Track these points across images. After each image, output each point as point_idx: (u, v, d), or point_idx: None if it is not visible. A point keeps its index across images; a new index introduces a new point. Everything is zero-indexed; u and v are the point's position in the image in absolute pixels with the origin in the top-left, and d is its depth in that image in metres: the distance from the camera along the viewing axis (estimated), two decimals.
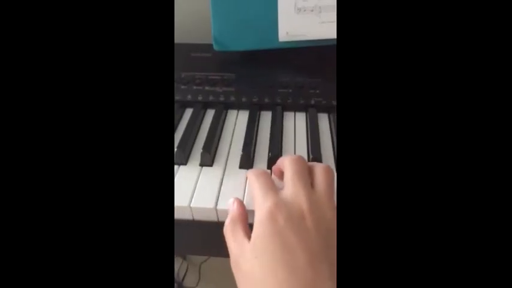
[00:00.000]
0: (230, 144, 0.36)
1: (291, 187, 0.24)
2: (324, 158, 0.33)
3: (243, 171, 0.32)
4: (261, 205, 0.24)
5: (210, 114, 0.40)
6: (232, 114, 0.40)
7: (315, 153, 0.33)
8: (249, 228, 0.25)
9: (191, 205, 0.29)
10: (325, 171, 0.26)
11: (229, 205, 0.27)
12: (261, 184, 0.25)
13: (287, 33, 0.42)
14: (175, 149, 0.33)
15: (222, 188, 0.30)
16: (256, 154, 0.34)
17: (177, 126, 0.39)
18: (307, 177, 0.25)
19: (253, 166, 0.33)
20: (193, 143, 0.36)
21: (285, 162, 0.27)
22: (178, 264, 0.93)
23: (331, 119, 0.38)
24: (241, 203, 0.27)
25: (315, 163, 0.27)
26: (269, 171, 0.32)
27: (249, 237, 0.24)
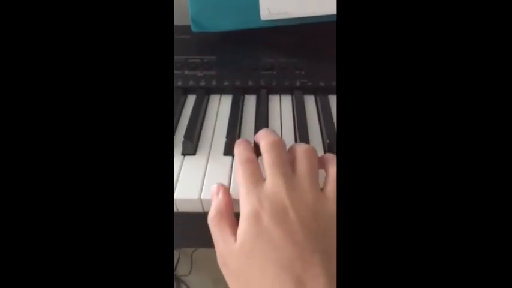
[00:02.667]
0: (213, 131, 0.34)
1: (271, 177, 0.23)
2: (311, 141, 0.32)
3: (228, 158, 0.31)
4: (244, 200, 0.23)
5: (191, 100, 0.38)
6: (214, 99, 0.38)
7: (302, 137, 0.32)
8: (235, 219, 0.24)
9: (175, 197, 0.27)
10: (306, 153, 0.25)
11: (212, 193, 0.26)
12: (245, 174, 0.24)
13: (269, 11, 0.39)
14: None
15: (206, 177, 0.29)
16: None
17: None
18: (286, 163, 0.24)
19: None
20: (175, 131, 0.34)
21: (261, 146, 0.26)
22: None
23: (318, 100, 0.37)
24: (227, 191, 0.26)
25: (296, 144, 0.26)
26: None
27: (235, 232, 0.23)
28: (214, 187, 0.26)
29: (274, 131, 0.27)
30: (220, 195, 0.25)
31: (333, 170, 0.25)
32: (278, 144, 0.25)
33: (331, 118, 0.34)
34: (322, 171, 0.26)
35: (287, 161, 0.25)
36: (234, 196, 0.27)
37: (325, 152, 0.31)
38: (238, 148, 0.27)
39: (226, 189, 0.26)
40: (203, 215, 0.28)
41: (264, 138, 0.26)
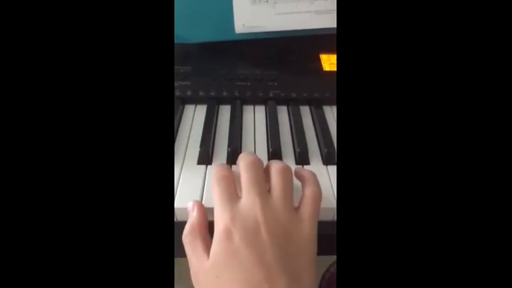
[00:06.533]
0: (188, 141, 0.34)
1: (246, 196, 0.24)
2: (283, 151, 0.33)
3: (202, 167, 0.31)
4: (218, 219, 0.23)
5: None
6: (189, 109, 0.39)
7: (274, 147, 0.33)
8: (209, 237, 0.24)
9: None
10: (280, 172, 0.25)
11: (188, 209, 0.26)
12: (220, 192, 0.24)
13: (243, 25, 0.41)
14: None
15: (179, 186, 0.29)
16: (215, 149, 0.33)
17: None
18: (263, 182, 0.25)
19: (212, 162, 0.32)
20: None
21: (240, 166, 0.26)
22: None
23: (290, 111, 0.38)
24: (201, 208, 0.26)
25: (271, 162, 0.27)
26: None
27: (208, 249, 0.23)
28: (189, 204, 0.26)
29: (253, 154, 0.27)
30: (195, 213, 0.25)
31: (309, 191, 0.25)
32: (255, 164, 0.26)
33: (303, 128, 0.35)
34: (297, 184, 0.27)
35: (263, 181, 0.25)
36: (209, 205, 0.27)
37: (296, 161, 0.33)
38: (216, 167, 0.27)
39: (201, 206, 0.26)
40: (177, 224, 0.28)
41: (242, 159, 0.26)
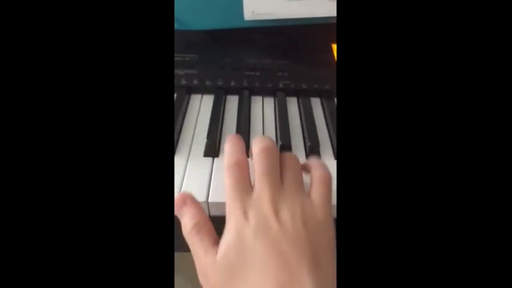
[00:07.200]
0: (194, 132, 0.33)
1: (258, 187, 0.23)
2: (293, 143, 0.32)
3: (209, 159, 0.30)
4: (230, 211, 0.23)
5: None
6: (195, 98, 0.37)
7: (284, 140, 0.31)
8: (213, 227, 0.23)
9: None
10: (289, 160, 0.25)
11: (177, 203, 0.24)
12: (232, 181, 0.23)
13: (253, 12, 0.39)
14: None
15: (185, 178, 0.28)
16: (222, 142, 0.32)
17: None
18: (276, 172, 0.24)
19: (219, 154, 0.31)
20: None
21: (254, 152, 0.25)
22: None
23: (301, 103, 0.37)
24: (193, 199, 0.24)
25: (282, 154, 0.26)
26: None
27: (215, 242, 0.22)
28: (177, 197, 0.24)
29: (269, 138, 0.26)
30: (191, 206, 0.24)
31: (317, 174, 0.25)
32: (269, 151, 0.25)
33: (313, 121, 0.34)
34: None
35: (277, 169, 0.24)
36: (215, 200, 0.26)
37: (306, 155, 0.31)
38: (228, 147, 0.26)
39: (192, 198, 0.24)
40: (176, 218, 0.27)
41: (256, 144, 0.25)
